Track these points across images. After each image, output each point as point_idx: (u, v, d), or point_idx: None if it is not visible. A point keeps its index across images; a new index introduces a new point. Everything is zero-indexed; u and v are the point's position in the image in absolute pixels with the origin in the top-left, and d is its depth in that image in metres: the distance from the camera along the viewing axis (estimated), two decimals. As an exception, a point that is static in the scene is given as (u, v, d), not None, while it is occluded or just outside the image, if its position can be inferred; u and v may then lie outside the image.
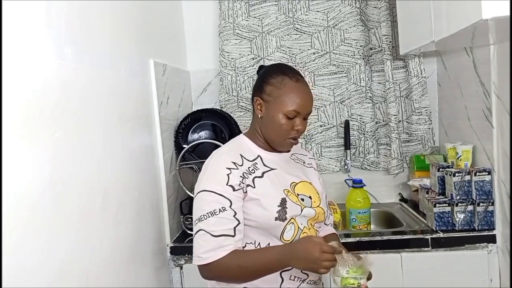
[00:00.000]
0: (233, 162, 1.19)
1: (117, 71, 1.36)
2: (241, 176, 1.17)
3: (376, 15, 2.07)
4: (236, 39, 2.17)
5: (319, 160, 2.20)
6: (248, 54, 2.18)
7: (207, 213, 1.14)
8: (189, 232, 1.84)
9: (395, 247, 1.68)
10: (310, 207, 1.26)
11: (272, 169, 1.25)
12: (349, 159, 2.15)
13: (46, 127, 0.93)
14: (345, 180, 2.08)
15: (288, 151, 1.33)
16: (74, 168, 1.04)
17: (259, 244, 1.19)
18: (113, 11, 1.37)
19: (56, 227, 0.95)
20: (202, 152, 1.96)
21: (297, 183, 1.28)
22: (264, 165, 1.25)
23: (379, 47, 2.10)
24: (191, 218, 1.84)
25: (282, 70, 1.26)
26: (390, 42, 2.05)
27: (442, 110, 2.12)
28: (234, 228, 1.14)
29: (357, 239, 1.70)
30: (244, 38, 2.18)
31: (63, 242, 0.97)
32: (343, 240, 1.70)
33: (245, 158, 1.23)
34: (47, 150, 0.93)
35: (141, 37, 1.62)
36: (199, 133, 2.02)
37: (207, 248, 1.13)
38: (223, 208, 1.14)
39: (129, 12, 1.51)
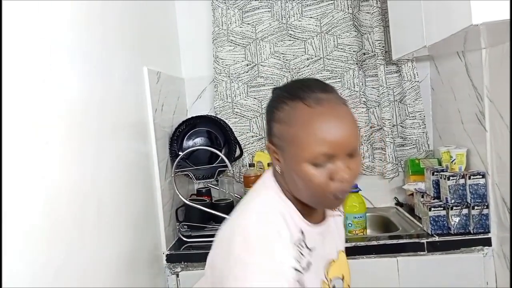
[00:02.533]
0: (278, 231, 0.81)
1: (111, 79, 1.36)
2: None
3: (369, 20, 2.08)
4: (230, 46, 2.18)
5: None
6: (242, 61, 2.19)
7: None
8: (184, 239, 1.83)
9: (391, 251, 1.68)
10: None
11: (311, 250, 0.87)
12: (344, 164, 2.15)
13: (39, 136, 0.93)
14: (340, 185, 2.08)
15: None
16: (67, 177, 1.04)
17: None
18: (106, 19, 1.37)
19: (49, 236, 0.94)
20: (197, 159, 1.96)
21: (332, 263, 0.94)
22: (307, 247, 0.86)
23: (372, 52, 2.11)
24: (187, 225, 1.86)
25: (293, 92, 0.83)
26: (383, 47, 2.06)
27: (436, 114, 2.13)
28: None
29: (353, 244, 1.70)
30: (238, 45, 2.18)
31: (57, 251, 0.97)
32: (339, 245, 1.70)
33: (291, 232, 0.83)
34: (40, 159, 0.93)
35: (135, 44, 1.62)
36: (194, 140, 2.02)
37: None
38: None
39: (122, 20, 1.51)
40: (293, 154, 0.81)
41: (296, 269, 0.81)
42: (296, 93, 0.82)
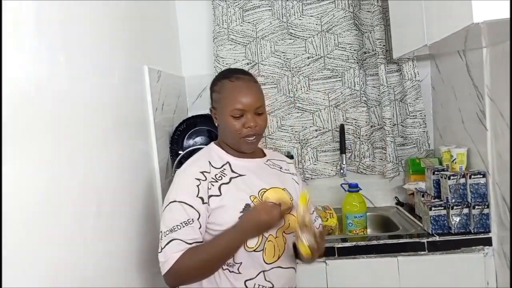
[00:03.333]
0: (201, 173, 1.22)
1: (111, 78, 1.36)
2: (208, 187, 1.20)
3: (370, 19, 2.08)
4: (231, 45, 2.18)
5: (314, 164, 2.20)
6: (243, 59, 2.19)
7: (181, 223, 1.16)
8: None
9: (391, 251, 1.68)
10: None
11: (240, 175, 1.26)
12: (344, 163, 2.16)
13: (39, 134, 0.93)
14: (341, 185, 2.08)
15: (259, 155, 1.36)
16: (67, 176, 1.03)
17: None
18: (107, 18, 1.37)
19: (49, 235, 0.94)
20: (197, 158, 1.96)
21: (267, 189, 1.27)
22: (232, 171, 1.27)
23: (373, 51, 2.11)
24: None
25: (223, 74, 1.31)
26: (383, 46, 2.06)
27: (437, 113, 2.13)
28: (197, 241, 1.17)
29: (354, 243, 1.70)
30: (239, 44, 2.18)
31: (56, 250, 0.97)
32: (339, 245, 1.70)
33: (212, 165, 1.26)
34: (40, 157, 0.92)
35: (135, 43, 1.62)
36: (194, 139, 2.02)
37: (179, 247, 1.16)
38: (193, 219, 1.17)
39: (122, 18, 1.51)
40: (222, 111, 1.25)
41: (205, 197, 1.20)
42: (226, 74, 1.30)
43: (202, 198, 1.19)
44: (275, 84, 2.19)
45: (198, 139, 2.02)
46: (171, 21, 2.18)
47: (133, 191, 1.47)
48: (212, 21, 2.19)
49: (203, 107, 2.25)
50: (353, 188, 1.93)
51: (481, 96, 1.64)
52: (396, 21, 1.85)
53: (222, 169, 1.26)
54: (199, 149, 1.92)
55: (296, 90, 2.18)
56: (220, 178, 1.23)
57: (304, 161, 2.20)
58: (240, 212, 1.18)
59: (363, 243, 1.70)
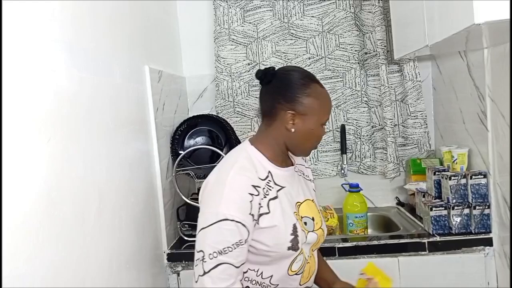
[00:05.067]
0: (254, 187, 1.06)
1: (112, 78, 1.36)
2: (259, 204, 1.06)
3: (371, 19, 2.08)
4: (232, 45, 2.18)
5: (315, 165, 2.20)
6: (244, 60, 2.19)
7: (234, 244, 1.01)
8: (186, 238, 1.84)
9: (392, 251, 1.68)
10: (313, 230, 1.17)
11: (282, 187, 1.14)
12: (345, 163, 2.16)
13: (41, 134, 0.93)
14: (341, 185, 2.08)
15: (290, 163, 1.24)
16: (69, 175, 1.04)
17: (261, 272, 1.11)
18: (108, 18, 1.37)
19: (51, 234, 0.94)
20: (198, 158, 1.96)
21: (301, 203, 1.18)
22: (275, 183, 1.14)
23: (374, 51, 2.11)
24: (188, 224, 1.86)
25: (311, 78, 1.16)
26: (385, 46, 2.06)
27: (438, 113, 2.13)
28: (243, 262, 1.05)
29: (354, 243, 1.70)
30: (240, 44, 2.18)
31: (58, 249, 0.97)
32: (340, 245, 1.70)
33: (259, 177, 1.10)
34: (41, 157, 0.93)
35: (136, 43, 1.62)
36: (195, 139, 2.02)
37: (230, 279, 1.02)
38: (245, 240, 1.03)
39: (124, 18, 1.51)
40: (315, 118, 1.13)
41: (255, 214, 1.05)
42: (312, 77, 1.16)
43: (253, 215, 1.04)
44: (276, 84, 2.19)
45: (199, 139, 2.02)
46: (172, 21, 2.19)
47: (134, 191, 1.47)
48: (213, 21, 2.19)
49: (203, 107, 2.25)
50: (354, 188, 1.93)
51: (482, 96, 1.64)
52: (397, 22, 1.85)
53: (267, 181, 1.12)
54: (200, 149, 1.95)
55: (297, 91, 2.18)
56: (267, 192, 1.10)
57: (305, 161, 2.19)
58: (291, 235, 1.08)
59: (363, 243, 1.70)
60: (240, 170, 1.08)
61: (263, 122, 1.19)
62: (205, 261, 1.01)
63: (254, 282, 1.11)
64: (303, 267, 1.15)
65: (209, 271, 1.00)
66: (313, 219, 1.18)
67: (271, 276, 1.11)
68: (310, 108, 1.12)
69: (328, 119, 1.18)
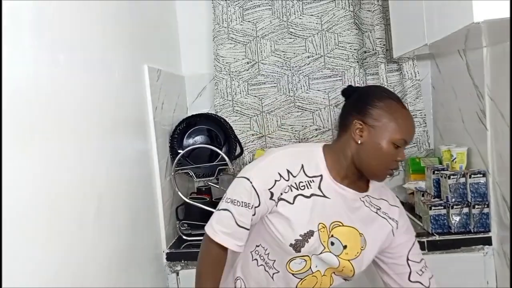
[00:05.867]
0: (288, 171, 1.11)
1: (111, 77, 1.36)
2: (284, 189, 1.10)
3: (370, 18, 2.07)
4: (231, 44, 2.18)
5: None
6: (243, 58, 2.18)
7: (242, 202, 1.10)
8: (185, 238, 1.83)
9: (391, 250, 1.68)
10: (336, 255, 1.12)
11: (324, 196, 1.12)
12: (344, 162, 2.15)
13: (39, 133, 0.93)
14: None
15: (360, 188, 1.18)
16: (67, 175, 1.03)
17: (268, 253, 1.16)
18: (107, 17, 1.37)
19: (49, 234, 0.94)
20: (197, 157, 1.96)
21: (341, 225, 1.13)
22: (319, 188, 1.12)
23: (373, 50, 2.10)
24: (187, 223, 1.86)
25: (388, 94, 1.14)
26: (384, 45, 2.06)
27: (437, 112, 2.13)
28: (245, 227, 1.12)
29: (353, 242, 1.70)
30: (239, 43, 2.18)
31: (57, 249, 0.97)
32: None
33: (304, 171, 1.12)
34: (40, 156, 0.92)
35: (135, 42, 1.62)
36: (194, 138, 2.01)
37: (227, 231, 1.12)
38: (252, 206, 1.10)
39: (122, 17, 1.51)
40: (384, 133, 1.08)
41: (276, 195, 1.10)
42: (391, 95, 1.15)
43: (272, 194, 1.10)
44: (275, 83, 2.19)
45: (198, 138, 2.02)
46: (171, 20, 2.18)
47: (132, 190, 1.47)
48: (212, 20, 2.18)
49: (202, 106, 2.25)
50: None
51: (481, 95, 1.64)
52: (396, 21, 1.85)
53: (310, 179, 1.12)
54: (199, 148, 1.94)
55: (296, 89, 2.18)
56: (303, 187, 1.11)
57: (393, 199, 2.18)
58: (300, 236, 1.09)
59: (363, 242, 1.70)
60: (288, 153, 1.15)
61: (337, 134, 1.20)
62: (222, 201, 1.16)
63: (261, 258, 1.17)
64: (305, 275, 1.14)
65: (218, 210, 1.15)
66: (345, 247, 1.12)
67: (275, 260, 1.15)
68: (379, 121, 1.09)
69: (405, 141, 1.10)
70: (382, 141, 1.08)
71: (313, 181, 1.12)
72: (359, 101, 1.15)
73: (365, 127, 1.10)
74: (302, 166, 1.12)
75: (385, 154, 1.09)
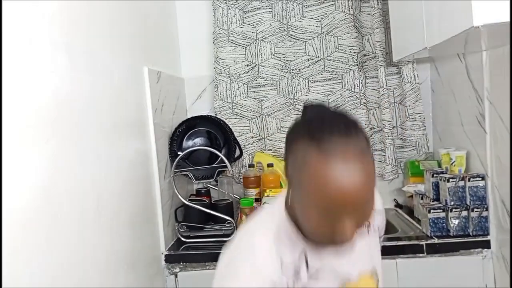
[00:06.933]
0: (273, 281, 0.80)
1: (111, 79, 1.36)
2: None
3: (370, 21, 2.08)
4: (231, 46, 2.18)
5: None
6: (243, 61, 2.19)
7: None
8: (183, 240, 1.83)
9: (390, 253, 1.68)
10: None
11: (319, 268, 0.85)
12: (344, 165, 2.15)
13: (39, 135, 0.93)
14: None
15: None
16: (67, 176, 1.03)
17: None
18: (107, 19, 1.37)
19: (49, 235, 0.94)
20: (196, 159, 1.96)
21: (349, 283, 0.88)
22: (308, 265, 0.84)
23: (372, 53, 2.11)
24: (186, 225, 1.85)
25: (311, 131, 0.73)
26: (383, 48, 2.06)
27: (436, 116, 2.13)
28: None
29: (352, 245, 1.70)
30: (239, 45, 2.18)
31: (56, 250, 0.97)
32: (338, 247, 1.70)
33: (283, 259, 0.81)
34: (40, 158, 0.92)
35: (135, 44, 1.62)
36: (193, 140, 2.02)
37: None
38: None
39: (122, 19, 1.51)
40: (300, 196, 0.75)
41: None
42: (315, 132, 0.72)
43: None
44: (274, 86, 2.19)
45: (197, 140, 2.02)
46: (171, 22, 2.19)
47: (132, 192, 1.47)
48: (212, 23, 2.19)
49: (202, 108, 2.25)
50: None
51: (480, 99, 1.64)
52: (396, 24, 1.85)
53: (295, 263, 0.83)
54: (198, 150, 1.94)
55: (296, 92, 2.18)
56: (292, 273, 0.83)
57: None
58: None
59: (362, 245, 1.70)
60: (261, 248, 0.83)
61: None
62: None
63: None
64: None
65: None
66: None
67: None
68: (292, 175, 0.77)
69: (329, 209, 0.70)
70: (304, 207, 0.75)
71: (300, 261, 0.83)
72: (285, 140, 0.81)
73: (288, 182, 0.80)
74: (281, 259, 0.81)
75: (312, 225, 0.75)
